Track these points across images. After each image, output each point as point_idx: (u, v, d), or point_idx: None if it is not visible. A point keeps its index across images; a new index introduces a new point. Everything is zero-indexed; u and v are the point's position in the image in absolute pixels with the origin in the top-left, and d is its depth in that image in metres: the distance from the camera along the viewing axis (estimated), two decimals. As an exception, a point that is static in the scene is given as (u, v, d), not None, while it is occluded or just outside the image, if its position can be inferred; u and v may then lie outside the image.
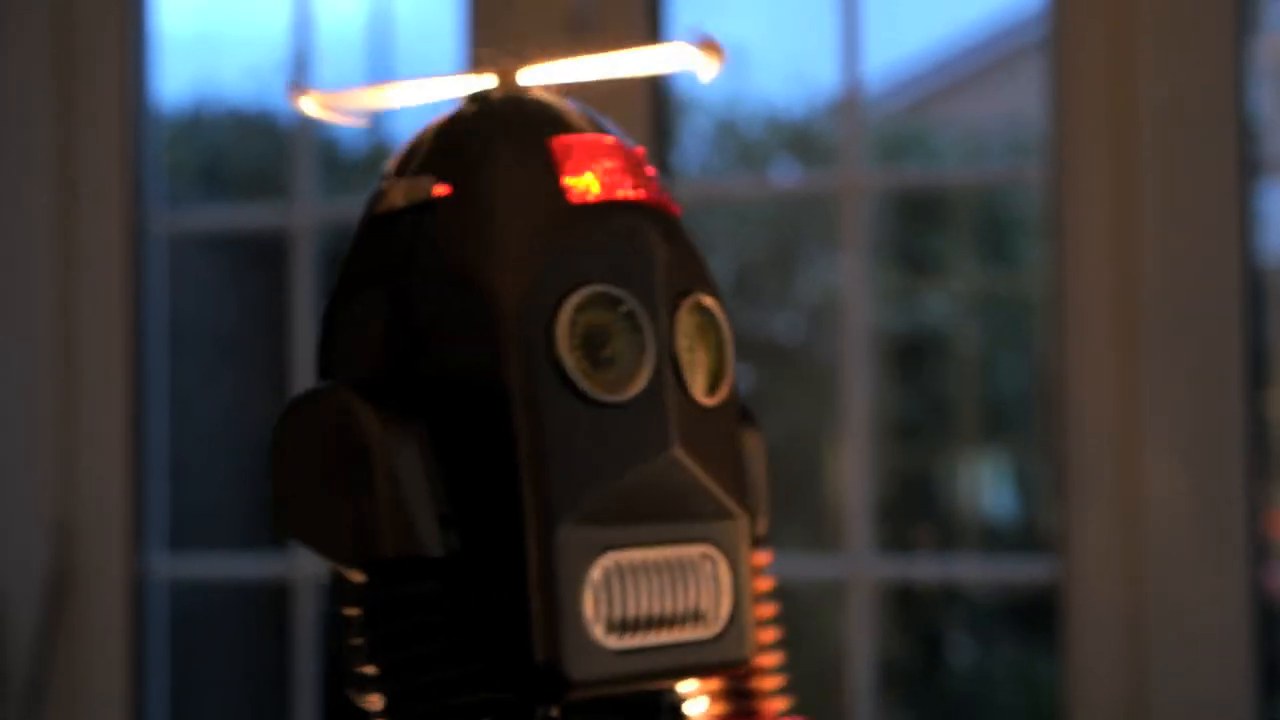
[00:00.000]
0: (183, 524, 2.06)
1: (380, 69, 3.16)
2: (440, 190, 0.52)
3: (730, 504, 0.54)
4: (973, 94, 3.87)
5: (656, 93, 1.79)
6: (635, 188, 0.53)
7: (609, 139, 0.54)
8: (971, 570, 2.18)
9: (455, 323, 0.51)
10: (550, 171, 0.52)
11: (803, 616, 2.55)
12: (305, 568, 1.94)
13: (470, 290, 0.51)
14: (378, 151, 3.32)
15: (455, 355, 0.51)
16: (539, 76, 0.56)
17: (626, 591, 0.51)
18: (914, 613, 2.79)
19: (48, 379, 1.93)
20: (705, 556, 0.54)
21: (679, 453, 0.52)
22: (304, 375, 1.94)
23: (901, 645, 2.86)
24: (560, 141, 0.53)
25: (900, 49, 3.59)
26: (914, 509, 2.82)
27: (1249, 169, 1.62)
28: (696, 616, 0.53)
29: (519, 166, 0.52)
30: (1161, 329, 1.61)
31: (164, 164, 2.18)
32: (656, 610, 0.52)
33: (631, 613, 0.51)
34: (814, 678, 2.32)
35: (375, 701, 0.51)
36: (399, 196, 0.53)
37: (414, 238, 0.52)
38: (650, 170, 0.55)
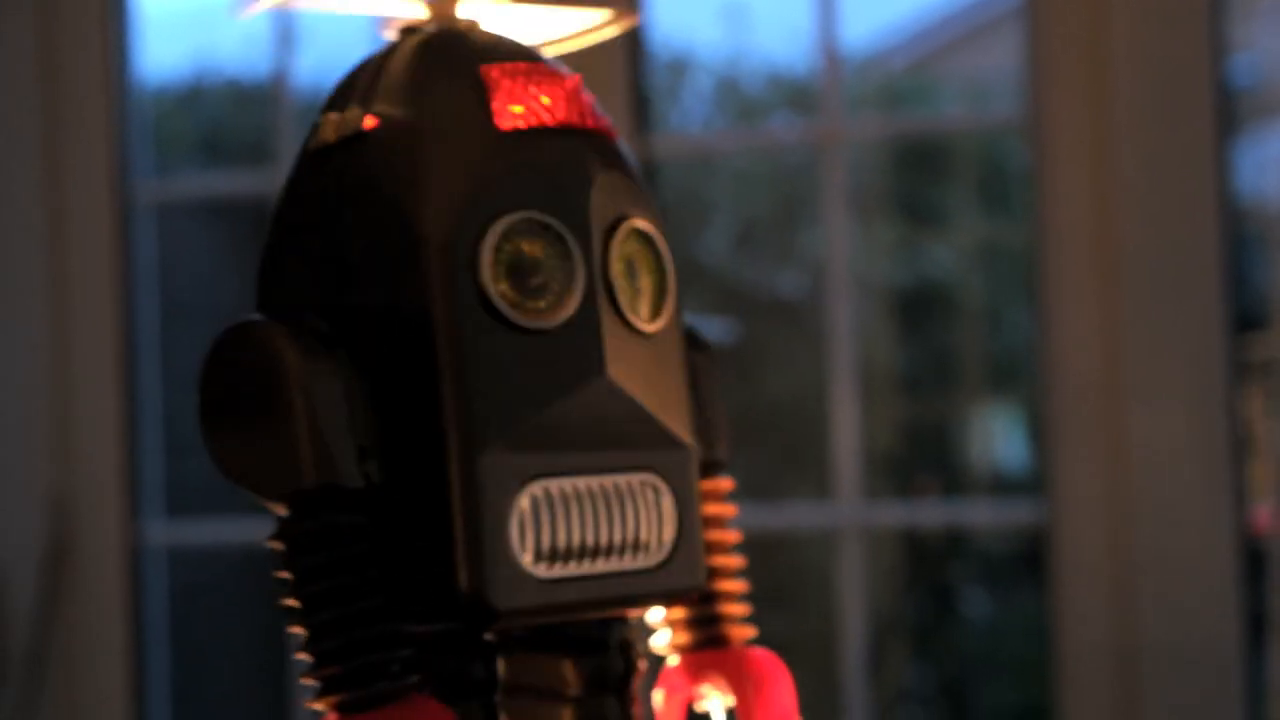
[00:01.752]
0: (178, 493, 2.07)
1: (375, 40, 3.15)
2: (370, 122, 0.52)
3: (674, 431, 0.53)
4: (977, 48, 3.85)
5: (635, 49, 1.79)
6: (568, 114, 0.53)
7: (541, 66, 0.53)
8: (962, 515, 2.18)
9: (383, 254, 0.50)
10: (481, 100, 0.51)
11: (809, 569, 2.55)
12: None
13: (397, 220, 0.50)
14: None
15: (382, 286, 0.50)
16: (474, 9, 0.56)
17: (558, 520, 0.50)
18: (924, 567, 2.79)
19: (40, 351, 1.94)
20: (646, 485, 0.53)
21: (613, 378, 0.51)
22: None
23: (913, 598, 2.86)
24: (491, 70, 0.52)
25: (903, 5, 3.57)
26: (924, 461, 2.82)
27: (1225, 113, 1.61)
28: (636, 546, 0.52)
29: (449, 96, 0.51)
30: (1142, 274, 1.61)
31: (157, 135, 2.19)
32: (590, 539, 0.51)
33: (563, 541, 0.50)
34: (819, 633, 2.32)
35: (299, 632, 0.51)
36: (330, 131, 0.52)
37: (344, 171, 0.52)
38: (587, 97, 0.54)
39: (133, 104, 1.97)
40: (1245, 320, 1.67)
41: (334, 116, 0.53)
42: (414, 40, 0.54)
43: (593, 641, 0.54)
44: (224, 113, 3.18)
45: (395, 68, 0.53)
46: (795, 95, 3.35)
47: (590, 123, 0.53)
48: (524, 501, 0.50)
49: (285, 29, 1.96)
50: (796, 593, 2.57)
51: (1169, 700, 1.58)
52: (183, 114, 3.03)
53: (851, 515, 1.78)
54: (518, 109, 0.52)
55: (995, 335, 3.05)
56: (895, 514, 2.05)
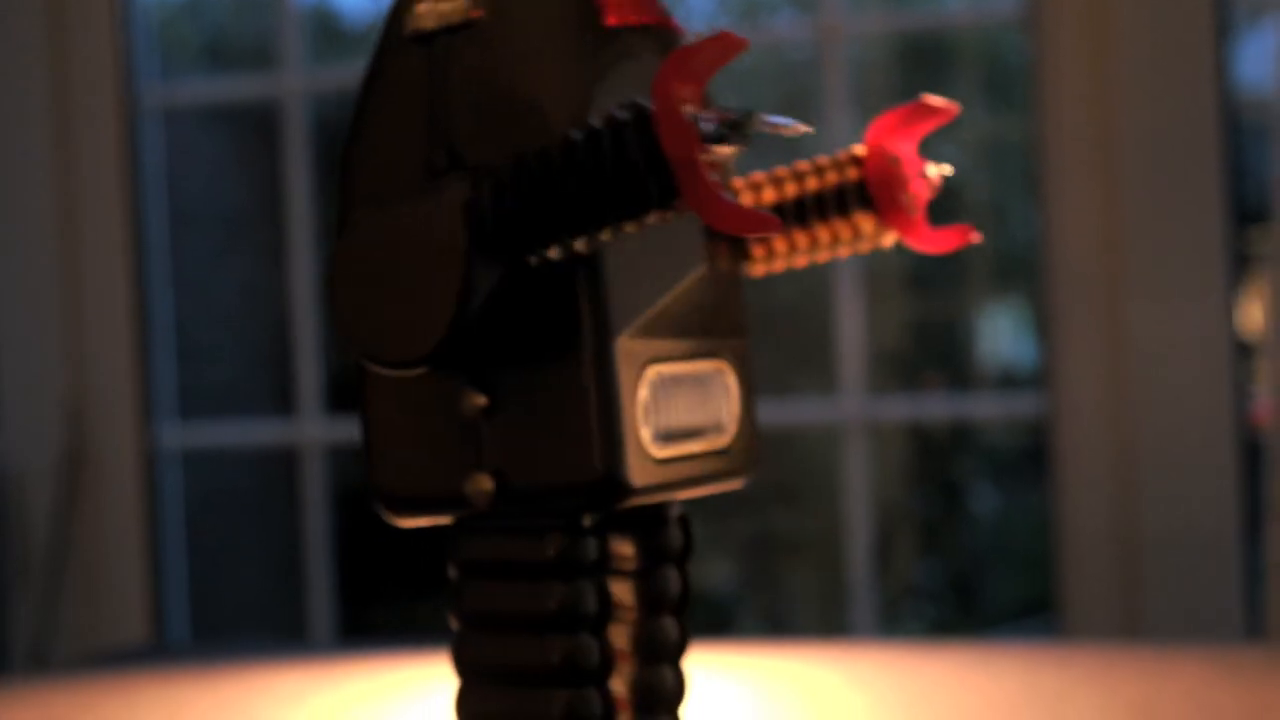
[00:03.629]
0: (192, 397, 2.09)
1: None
2: (475, 12, 0.52)
3: (740, 319, 0.56)
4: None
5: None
6: (655, 12, 0.55)
7: None
8: (965, 408, 2.19)
9: (501, 142, 0.51)
10: None
11: (815, 466, 2.57)
12: (313, 433, 1.97)
13: (517, 109, 0.51)
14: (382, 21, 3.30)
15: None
16: None
17: (666, 403, 0.53)
18: (931, 463, 2.81)
19: (50, 259, 1.95)
20: (718, 369, 0.56)
21: (709, 268, 0.54)
22: (300, 244, 1.96)
23: (920, 494, 2.88)
24: None
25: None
26: (930, 358, 2.83)
27: (1224, 5, 1.61)
28: (718, 428, 0.55)
29: None
30: (1143, 168, 1.62)
31: (160, 40, 2.19)
32: (688, 421, 0.54)
33: (670, 423, 0.53)
34: (827, 528, 2.35)
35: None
36: (429, 19, 0.52)
37: (449, 60, 0.52)
38: None
39: (137, 10, 1.98)
40: (1246, 214, 1.68)
41: (430, 4, 0.53)
42: None
43: (652, 516, 0.56)
44: (226, 18, 3.17)
45: None
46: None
47: (669, 20, 0.55)
48: (644, 385, 0.52)
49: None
50: (804, 489, 2.60)
51: (1169, 588, 1.61)
52: (185, 20, 3.03)
53: (856, 409, 1.80)
54: (620, 6, 0.53)
55: (1001, 231, 3.05)
56: (899, 408, 2.07)
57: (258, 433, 2.16)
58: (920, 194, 0.57)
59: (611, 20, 0.53)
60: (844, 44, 1.79)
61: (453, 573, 0.54)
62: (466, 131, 0.52)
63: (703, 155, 0.47)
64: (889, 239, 0.58)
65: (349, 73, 2.03)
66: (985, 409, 2.11)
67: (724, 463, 0.56)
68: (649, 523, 0.56)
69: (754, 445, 0.57)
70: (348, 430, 2.12)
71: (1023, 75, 3.13)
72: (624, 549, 0.56)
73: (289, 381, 2.00)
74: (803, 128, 0.49)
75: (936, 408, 2.20)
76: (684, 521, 0.57)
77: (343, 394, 2.04)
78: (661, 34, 0.55)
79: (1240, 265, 1.64)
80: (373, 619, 2.47)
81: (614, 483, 0.51)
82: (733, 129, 0.47)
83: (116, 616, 1.95)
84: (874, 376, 1.84)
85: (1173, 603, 1.61)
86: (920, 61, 3.14)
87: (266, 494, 2.30)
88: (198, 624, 2.06)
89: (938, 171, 0.58)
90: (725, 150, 0.48)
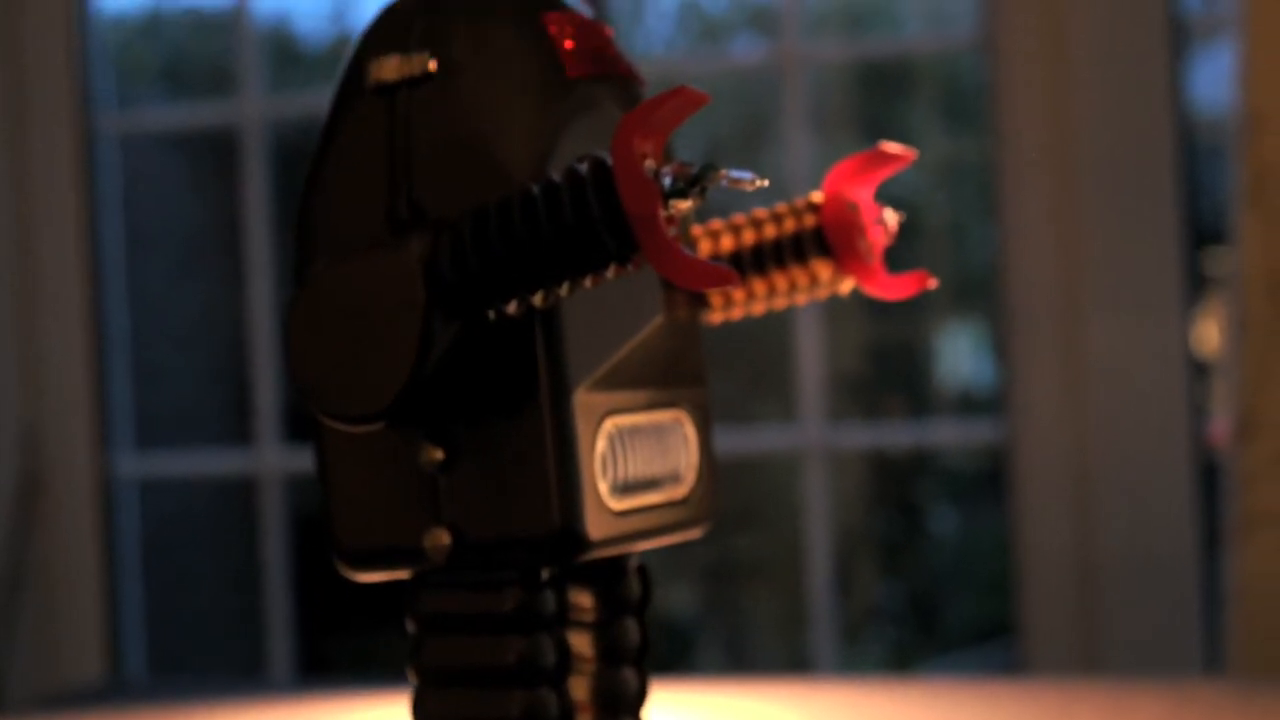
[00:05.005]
0: (149, 425, 2.07)
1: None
2: (433, 65, 0.53)
3: (699, 367, 0.57)
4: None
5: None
6: (615, 63, 0.55)
7: (583, 15, 0.55)
8: (929, 435, 2.20)
9: (462, 194, 0.51)
10: (548, 46, 0.53)
11: (776, 492, 2.58)
12: (272, 462, 1.96)
13: (478, 162, 0.51)
14: (340, 45, 3.31)
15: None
16: None
17: (623, 455, 0.53)
18: (890, 485, 2.82)
19: (6, 283, 1.94)
20: (676, 420, 0.56)
21: (667, 318, 0.55)
22: (259, 270, 1.96)
23: (879, 519, 2.89)
24: (552, 17, 0.54)
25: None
26: (890, 382, 2.83)
27: (1180, 26, 1.62)
28: (675, 478, 0.55)
29: (517, 43, 0.53)
30: (1100, 189, 1.62)
31: (117, 66, 2.18)
32: (645, 472, 0.54)
33: (627, 475, 0.53)
34: (788, 553, 2.35)
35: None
36: (391, 70, 0.53)
37: (410, 111, 0.52)
38: (618, 45, 0.56)
39: (94, 36, 1.97)
40: (1203, 234, 1.69)
41: (394, 57, 0.53)
42: None
43: (611, 567, 0.56)
44: (184, 41, 3.16)
45: (450, 12, 0.54)
46: (757, 15, 3.35)
47: (630, 70, 0.56)
48: (602, 438, 0.52)
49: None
50: (764, 515, 2.60)
51: (1128, 610, 1.61)
52: (142, 43, 3.02)
53: (816, 437, 1.80)
54: (580, 57, 0.53)
55: (960, 253, 3.06)
56: (859, 435, 2.07)
57: (216, 462, 2.15)
58: (877, 241, 0.57)
59: (572, 73, 0.53)
60: (804, 71, 1.80)
61: (411, 627, 0.54)
62: (428, 182, 0.52)
63: (662, 211, 0.47)
64: (846, 285, 0.58)
65: (310, 100, 2.02)
66: (945, 435, 2.12)
67: (682, 513, 0.56)
68: (607, 574, 0.56)
69: (711, 494, 0.57)
70: (307, 460, 2.11)
71: (980, 97, 3.14)
72: (582, 600, 0.56)
73: (247, 408, 1.99)
74: (761, 182, 0.49)
75: (897, 435, 2.20)
76: (642, 571, 0.57)
77: (302, 422, 2.03)
78: (622, 83, 0.55)
79: (1197, 286, 1.64)
80: (331, 649, 2.46)
81: (572, 536, 0.51)
82: (692, 184, 0.47)
83: (72, 647, 1.93)
84: (833, 401, 1.85)
85: (1132, 627, 1.62)
86: (878, 82, 3.15)
87: (224, 522, 2.29)
88: (154, 655, 2.05)
89: (894, 218, 0.58)
90: (684, 205, 0.48)
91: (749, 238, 0.58)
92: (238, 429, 2.05)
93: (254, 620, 2.02)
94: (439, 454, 0.52)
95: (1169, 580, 1.61)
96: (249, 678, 2.05)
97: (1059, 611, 1.64)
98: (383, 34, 0.55)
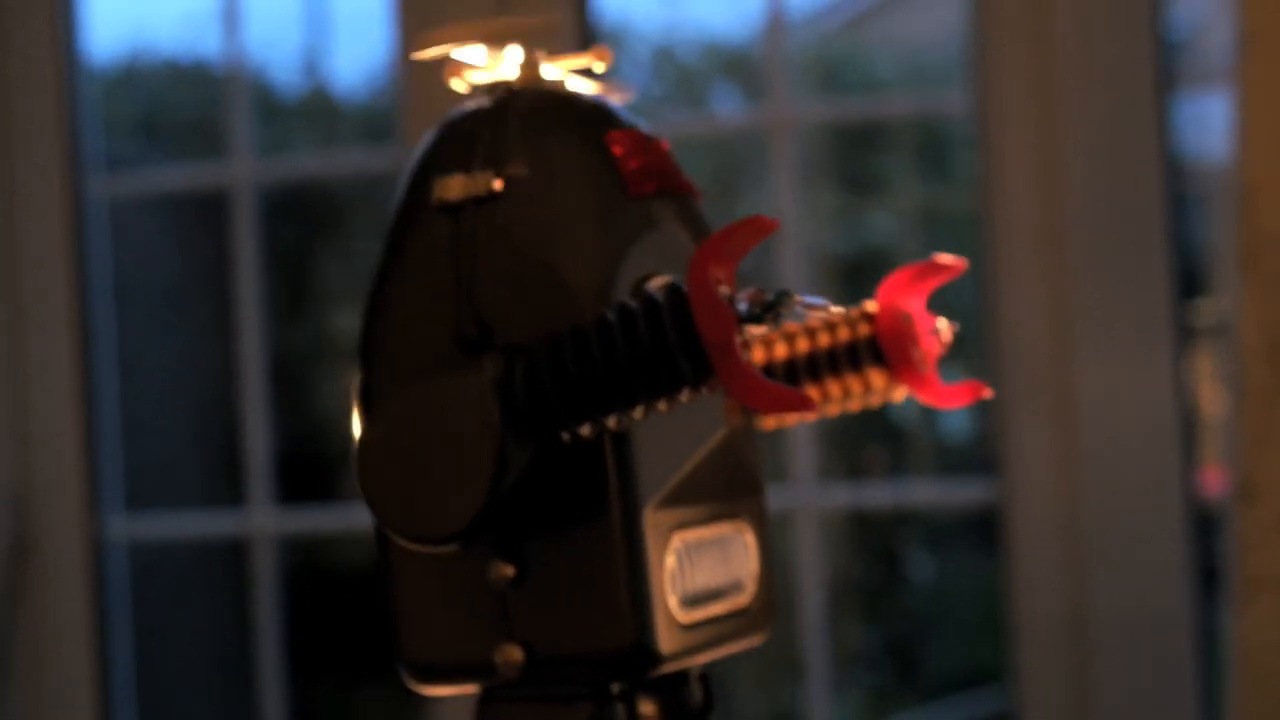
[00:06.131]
0: (138, 485, 2.07)
1: (313, 16, 3.15)
2: (499, 184, 0.53)
3: (757, 476, 0.58)
4: (910, 7, 3.87)
5: (585, 24, 1.80)
6: (676, 180, 0.55)
7: (648, 133, 0.56)
8: (918, 494, 2.21)
9: (528, 314, 0.52)
10: (610, 165, 0.53)
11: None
12: (263, 524, 1.95)
13: (544, 282, 0.52)
14: (314, 94, 3.31)
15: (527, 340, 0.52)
16: (558, 70, 0.57)
17: (690, 568, 0.53)
18: (871, 533, 2.83)
19: (-5, 347, 1.94)
20: (737, 530, 0.57)
21: (730, 433, 0.55)
22: (249, 331, 1.95)
23: (860, 566, 2.89)
24: (615, 135, 0.54)
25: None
26: (867, 433, 2.84)
27: (1166, 78, 1.64)
28: (737, 587, 0.56)
29: (581, 162, 0.53)
30: (1088, 240, 1.64)
31: (101, 120, 2.18)
32: (710, 584, 0.55)
33: (693, 588, 0.54)
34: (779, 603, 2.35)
35: None
36: (456, 189, 0.53)
37: (476, 229, 0.53)
38: (675, 159, 0.57)
39: (82, 94, 1.97)
40: (1194, 284, 1.70)
41: (459, 177, 0.54)
42: (524, 103, 0.55)
43: (675, 676, 0.57)
44: (162, 92, 3.16)
45: (514, 130, 0.54)
46: (732, 64, 3.37)
47: (687, 186, 0.56)
48: (670, 554, 0.53)
49: (231, 11, 1.96)
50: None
51: (1123, 663, 1.62)
52: (119, 95, 3.02)
53: (808, 498, 1.80)
54: (642, 175, 0.54)
55: (937, 301, 3.08)
56: (849, 496, 2.08)
57: (207, 523, 2.14)
58: (931, 350, 0.58)
59: (635, 191, 0.54)
60: (791, 133, 1.81)
61: None
62: (494, 303, 0.52)
63: (738, 337, 0.48)
64: (900, 394, 0.59)
65: (298, 159, 2.03)
66: (934, 492, 2.13)
67: (744, 622, 0.57)
68: (672, 682, 0.56)
69: (772, 600, 0.58)
70: (298, 520, 2.10)
71: (955, 145, 3.17)
72: (647, 709, 0.56)
73: (238, 466, 1.98)
74: (835, 308, 0.50)
75: (883, 495, 2.21)
76: (704, 679, 0.58)
77: (293, 481, 2.03)
78: (680, 200, 0.56)
79: (1187, 335, 1.66)
80: (320, 705, 2.45)
81: (645, 652, 0.52)
82: (767, 310, 0.48)
83: (63, 706, 1.92)
84: (821, 458, 1.85)
85: (1126, 677, 1.62)
86: (856, 133, 3.17)
87: (215, 581, 2.28)
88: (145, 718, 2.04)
89: (948, 328, 0.58)
90: (757, 330, 0.48)
91: (803, 345, 0.59)
92: (230, 486, 2.04)
93: (244, 677, 2.01)
94: (510, 570, 0.52)
95: (1163, 633, 1.62)
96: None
97: (1053, 665, 1.64)
98: (446, 151, 0.55)
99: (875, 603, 2.99)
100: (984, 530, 2.86)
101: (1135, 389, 1.63)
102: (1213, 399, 1.79)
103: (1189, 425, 1.64)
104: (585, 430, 0.50)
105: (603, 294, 0.51)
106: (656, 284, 0.52)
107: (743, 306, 0.48)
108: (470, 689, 0.54)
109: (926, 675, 3.09)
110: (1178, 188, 1.67)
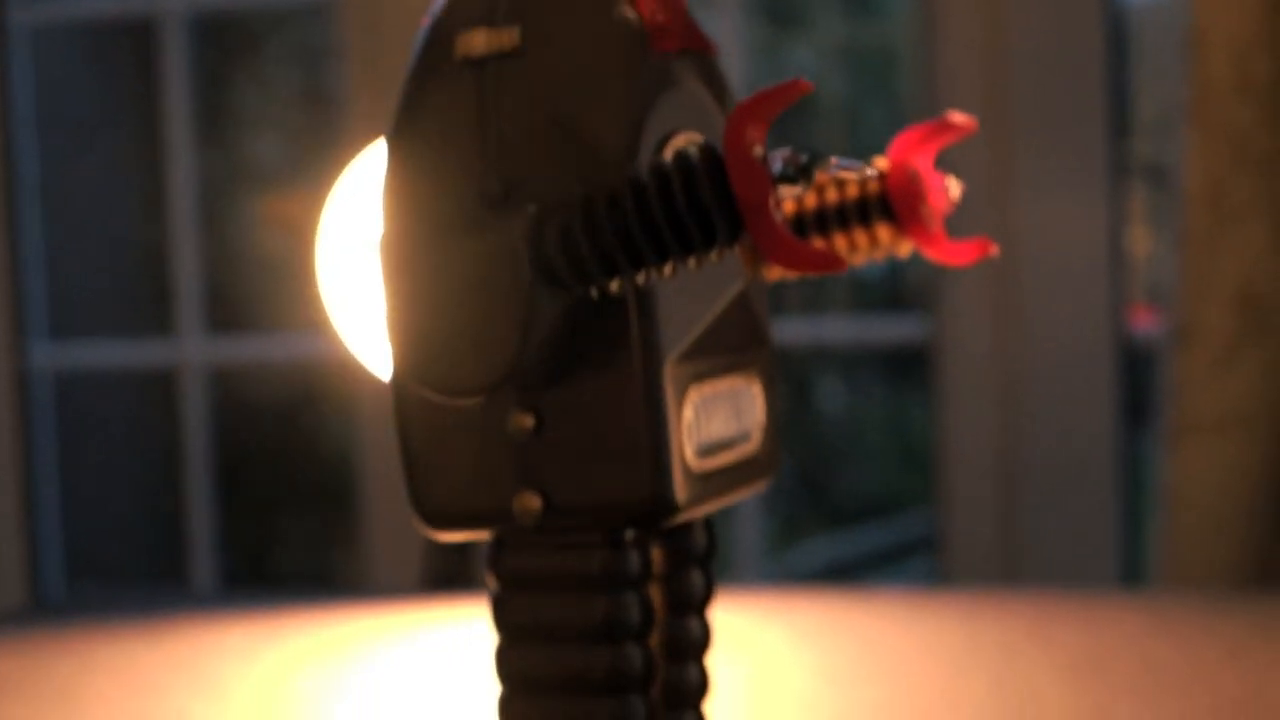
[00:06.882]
0: (65, 314, 2.05)
1: None
2: (523, 39, 0.52)
3: (766, 329, 0.58)
4: None
5: None
6: (698, 38, 0.55)
7: None
8: (842, 331, 2.23)
9: (555, 169, 0.51)
10: (634, 23, 0.53)
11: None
12: (191, 353, 1.95)
13: (569, 138, 0.51)
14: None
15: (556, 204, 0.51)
16: None
17: (705, 420, 0.54)
18: (785, 366, 2.85)
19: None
20: (747, 382, 0.57)
21: (747, 286, 0.56)
22: (175, 164, 1.93)
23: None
24: None
25: None
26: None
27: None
28: (746, 437, 0.57)
29: (604, 16, 0.53)
30: (1027, 80, 1.64)
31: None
32: (723, 434, 0.55)
33: (707, 439, 0.54)
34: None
35: None
36: (479, 43, 0.53)
37: (500, 87, 0.53)
38: (693, 16, 0.57)
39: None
40: (1129, 126, 1.72)
41: (482, 30, 0.54)
42: None
43: (682, 522, 0.58)
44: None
45: None
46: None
47: (707, 43, 0.56)
48: (688, 405, 0.54)
49: None
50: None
51: (1049, 494, 1.66)
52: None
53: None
54: (667, 34, 0.54)
55: (855, 135, 3.08)
56: (792, 330, 2.09)
57: (135, 351, 2.13)
58: (939, 207, 0.59)
59: (658, 48, 0.54)
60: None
61: (492, 584, 0.55)
62: (518, 159, 0.53)
63: (773, 197, 0.48)
64: (904, 248, 0.59)
65: None
66: (868, 332, 2.15)
67: (752, 469, 0.58)
68: (680, 528, 0.58)
69: (777, 448, 0.59)
70: (230, 350, 2.09)
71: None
72: (655, 555, 0.58)
73: (167, 297, 1.97)
74: (870, 170, 0.50)
75: (829, 329, 2.23)
76: (707, 523, 0.59)
77: (224, 311, 2.02)
78: (700, 59, 0.56)
79: (1121, 177, 1.67)
80: (243, 529, 2.46)
81: (663, 502, 0.53)
82: (802, 171, 0.49)
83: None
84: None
85: (1053, 514, 1.66)
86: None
87: (141, 416, 2.27)
88: (71, 555, 2.04)
89: (956, 186, 0.59)
90: (791, 190, 0.49)
91: (811, 202, 0.59)
92: (158, 316, 2.03)
93: (175, 516, 2.02)
94: (530, 421, 0.53)
95: (1088, 469, 1.65)
96: (171, 580, 2.06)
97: (980, 501, 1.68)
98: (458, 6, 0.55)
99: (788, 434, 3.03)
100: (896, 364, 2.90)
101: (1069, 227, 1.64)
102: (1141, 239, 1.82)
103: (1120, 264, 1.67)
104: (614, 286, 0.51)
105: (629, 151, 0.52)
106: (681, 142, 0.52)
107: (778, 167, 0.49)
108: (484, 534, 0.55)
109: (837, 502, 3.14)
110: (1120, 30, 1.68)
